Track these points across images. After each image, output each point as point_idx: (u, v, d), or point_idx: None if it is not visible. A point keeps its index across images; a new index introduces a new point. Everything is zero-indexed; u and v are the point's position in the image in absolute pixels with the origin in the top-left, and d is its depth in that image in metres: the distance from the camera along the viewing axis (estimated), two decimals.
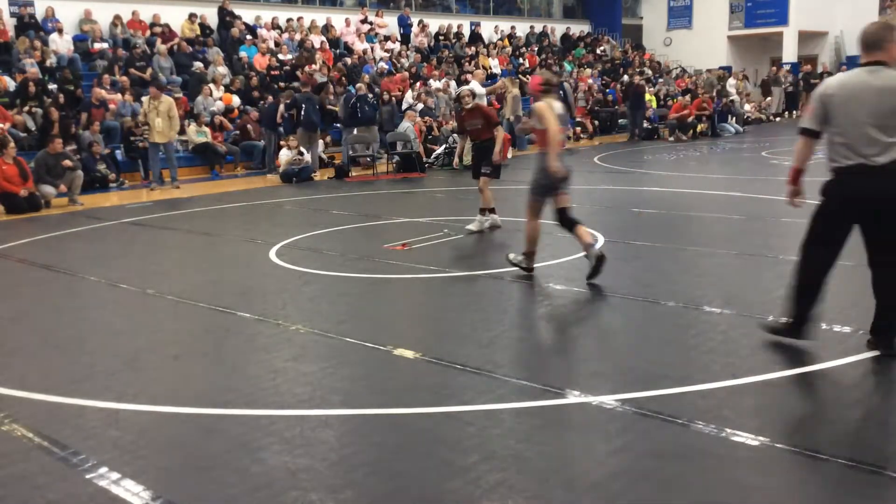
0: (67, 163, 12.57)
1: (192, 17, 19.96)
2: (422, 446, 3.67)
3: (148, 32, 19.07)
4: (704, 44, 30.54)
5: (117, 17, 18.75)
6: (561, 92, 19.86)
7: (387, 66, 21.31)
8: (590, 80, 24.72)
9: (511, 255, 6.94)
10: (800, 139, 4.66)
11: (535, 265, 6.85)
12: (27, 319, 6.22)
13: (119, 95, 16.06)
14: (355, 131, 16.26)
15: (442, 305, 6.29)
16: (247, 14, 21.16)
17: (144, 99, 14.49)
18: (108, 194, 13.88)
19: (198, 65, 18.26)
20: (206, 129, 16.25)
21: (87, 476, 3.47)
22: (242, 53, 19.52)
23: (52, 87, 15.60)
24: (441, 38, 25.16)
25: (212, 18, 20.58)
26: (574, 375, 4.46)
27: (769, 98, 28.11)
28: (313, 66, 19.30)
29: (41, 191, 12.25)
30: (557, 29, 29.73)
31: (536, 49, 26.96)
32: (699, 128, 22.06)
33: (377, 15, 23.89)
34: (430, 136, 17.58)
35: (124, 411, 4.19)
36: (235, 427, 3.93)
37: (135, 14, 19.08)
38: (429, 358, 4.83)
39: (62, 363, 5.09)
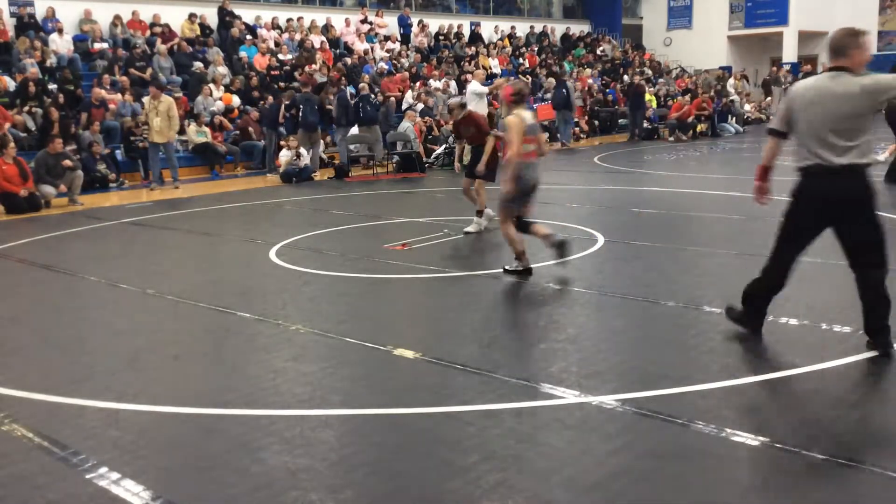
0: (67, 163, 12.57)
1: (192, 17, 19.96)
2: (422, 446, 3.67)
3: (148, 32, 19.07)
4: (704, 44, 30.54)
5: (117, 17, 18.76)
6: (564, 91, 19.87)
7: (387, 67, 21.31)
8: (590, 81, 24.71)
9: (506, 267, 6.92)
10: (769, 139, 4.83)
11: (532, 265, 6.84)
12: (27, 319, 6.22)
13: (119, 95, 16.06)
14: (355, 130, 16.25)
15: (442, 305, 6.29)
16: (247, 14, 21.16)
17: (146, 99, 14.50)
18: (108, 194, 13.89)
19: (198, 65, 18.26)
20: (206, 129, 16.26)
21: (87, 476, 3.47)
22: (242, 53, 19.52)
23: (52, 87, 15.61)
24: (441, 38, 25.16)
25: (212, 18, 20.58)
26: (574, 375, 4.46)
27: (769, 98, 28.11)
28: (313, 66, 19.30)
29: (41, 191, 12.25)
30: (557, 29, 29.73)
31: (536, 49, 26.96)
32: (699, 128, 22.06)
33: (377, 15, 23.89)
34: (430, 136, 17.58)
35: (124, 411, 4.19)
36: (235, 427, 3.93)
37: (135, 14, 19.08)
38: (429, 358, 4.83)
39: (62, 363, 5.09)
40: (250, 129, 17.02)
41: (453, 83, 21.38)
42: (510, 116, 6.66)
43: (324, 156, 16.73)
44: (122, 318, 6.11)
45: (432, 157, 16.92)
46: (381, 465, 3.47)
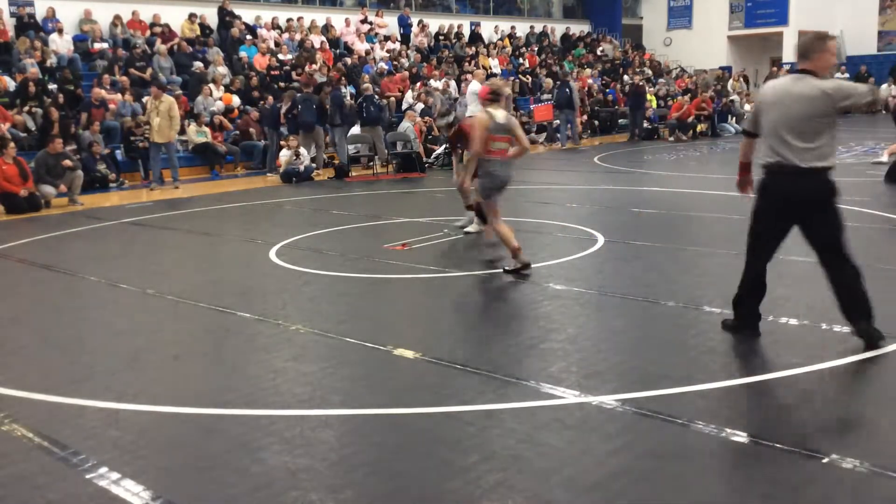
0: (67, 163, 12.57)
1: (192, 17, 19.96)
2: (422, 446, 3.67)
3: (148, 32, 19.07)
4: (704, 44, 30.54)
5: (117, 17, 18.76)
6: (567, 91, 19.87)
7: (387, 67, 21.31)
8: (590, 81, 24.71)
9: (505, 267, 6.91)
10: (744, 138, 5.13)
11: (533, 264, 6.84)
12: (27, 319, 6.22)
13: (119, 95, 16.06)
14: (356, 130, 16.24)
15: (442, 305, 6.29)
16: (247, 14, 21.16)
17: (147, 99, 14.48)
18: (108, 194, 13.88)
19: (198, 65, 18.26)
20: (206, 129, 16.25)
21: (87, 476, 3.47)
22: (242, 53, 19.52)
23: (52, 87, 15.61)
24: (441, 38, 25.16)
25: (212, 18, 20.58)
26: (574, 375, 4.46)
27: None
28: (313, 66, 19.30)
29: (41, 191, 12.25)
30: (557, 29, 29.73)
31: (536, 49, 26.96)
32: (699, 128, 22.06)
33: (377, 15, 23.89)
34: (430, 136, 17.58)
35: (124, 411, 4.19)
36: (235, 427, 3.93)
37: (135, 14, 19.08)
38: (429, 358, 4.83)
39: (62, 363, 5.09)
40: (250, 129, 17.02)
41: (453, 83, 21.38)
42: (479, 113, 6.84)
43: (324, 155, 16.72)
44: (122, 318, 6.11)
45: (432, 157, 16.91)
46: (381, 465, 3.47)
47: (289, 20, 21.87)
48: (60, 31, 17.45)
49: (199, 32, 19.81)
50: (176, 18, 19.67)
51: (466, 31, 26.35)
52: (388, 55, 22.44)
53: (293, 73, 19.22)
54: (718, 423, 3.76)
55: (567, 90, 19.88)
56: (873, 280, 6.49)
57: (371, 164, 16.12)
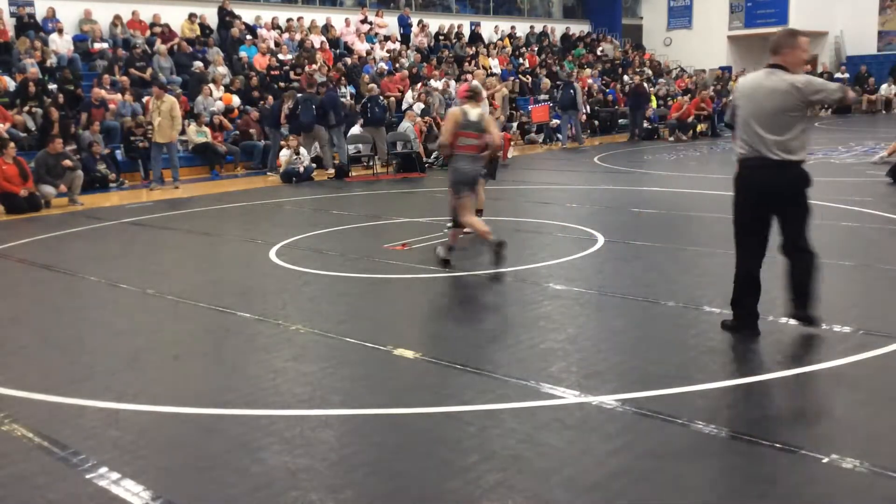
0: (67, 163, 12.57)
1: (192, 17, 19.95)
2: (422, 446, 3.67)
3: (148, 32, 19.06)
4: (704, 44, 30.56)
5: (117, 17, 18.75)
6: (571, 91, 19.88)
7: (387, 67, 21.31)
8: (590, 81, 24.71)
9: (489, 246, 6.93)
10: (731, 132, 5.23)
11: (533, 264, 6.90)
12: (27, 319, 6.22)
13: (119, 95, 16.05)
14: (356, 130, 16.22)
15: (442, 305, 6.29)
16: (247, 14, 21.16)
17: (149, 99, 14.47)
18: (108, 194, 13.88)
19: (198, 65, 18.25)
20: (206, 129, 16.25)
21: (87, 476, 3.47)
22: (242, 53, 19.52)
23: (52, 87, 15.60)
24: (441, 38, 25.16)
25: (212, 18, 20.58)
26: (574, 375, 4.46)
27: None
28: (313, 66, 19.30)
29: (41, 191, 12.25)
30: (557, 29, 29.73)
31: (536, 49, 26.96)
32: (699, 128, 22.06)
33: (377, 15, 23.89)
34: (430, 136, 17.56)
35: (124, 411, 4.19)
36: (235, 427, 3.93)
37: (135, 14, 19.08)
38: (429, 358, 4.83)
39: (62, 363, 5.09)
40: (251, 129, 17.02)
41: (453, 83, 21.37)
42: (453, 108, 7.19)
43: (331, 154, 16.69)
44: (122, 318, 6.11)
45: (432, 157, 16.91)
46: (381, 465, 3.47)
47: (289, 20, 21.87)
48: (60, 31, 17.45)
49: (199, 32, 19.81)
50: (176, 18, 19.67)
51: (466, 31, 26.35)
52: (388, 55, 22.44)
53: (293, 73, 19.22)
54: (718, 423, 3.76)
55: (571, 91, 19.90)
56: (873, 280, 6.52)
57: (371, 164, 16.13)
